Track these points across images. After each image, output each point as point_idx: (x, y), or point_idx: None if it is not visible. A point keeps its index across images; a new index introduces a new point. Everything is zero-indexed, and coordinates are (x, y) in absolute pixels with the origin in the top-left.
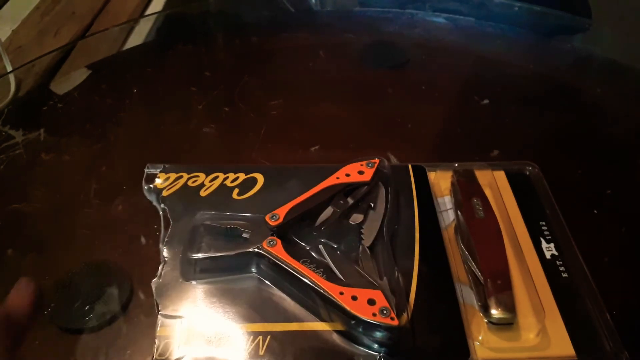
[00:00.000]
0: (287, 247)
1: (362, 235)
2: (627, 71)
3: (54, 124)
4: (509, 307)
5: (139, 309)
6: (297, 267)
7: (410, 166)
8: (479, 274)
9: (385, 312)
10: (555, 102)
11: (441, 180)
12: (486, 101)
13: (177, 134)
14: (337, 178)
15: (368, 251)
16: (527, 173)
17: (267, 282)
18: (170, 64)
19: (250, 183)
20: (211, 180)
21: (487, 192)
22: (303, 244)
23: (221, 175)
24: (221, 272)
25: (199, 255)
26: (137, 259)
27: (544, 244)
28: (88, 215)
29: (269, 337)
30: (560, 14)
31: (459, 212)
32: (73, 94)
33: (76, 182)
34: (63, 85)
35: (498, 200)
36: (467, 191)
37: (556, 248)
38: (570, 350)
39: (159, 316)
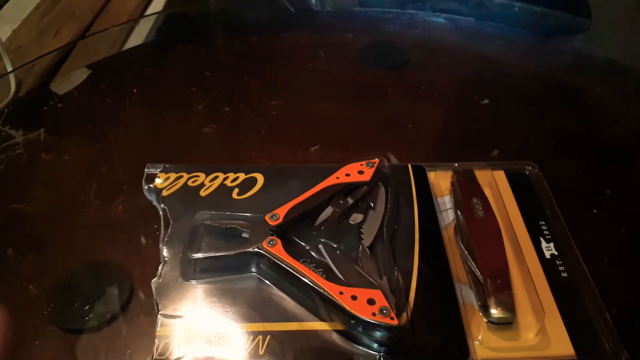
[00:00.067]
0: (287, 246)
1: (361, 235)
2: (627, 71)
3: (54, 124)
4: (509, 306)
5: (139, 308)
6: (297, 266)
7: (410, 166)
8: (478, 273)
9: (385, 311)
10: (555, 102)
11: (441, 180)
12: (486, 101)
13: (177, 134)
14: (337, 178)
15: (368, 251)
16: (527, 173)
17: (267, 281)
18: (170, 64)
19: (250, 183)
20: (211, 180)
21: (487, 192)
22: (303, 244)
23: (221, 175)
24: (221, 272)
25: (199, 255)
26: (137, 259)
27: (543, 244)
28: (88, 215)
29: (268, 336)
30: (560, 14)
31: (458, 212)
32: (73, 94)
33: (76, 182)
34: (63, 85)
35: (498, 200)
36: (466, 191)
37: (556, 248)
38: (569, 350)
39: (158, 316)
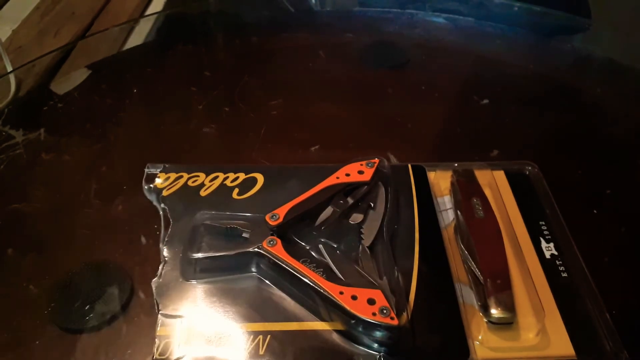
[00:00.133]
0: (287, 246)
1: (362, 235)
2: (627, 71)
3: (54, 124)
4: (509, 306)
5: (139, 308)
6: (297, 266)
7: (410, 166)
8: (478, 273)
9: (385, 311)
10: (555, 102)
11: (441, 180)
12: (486, 101)
13: (177, 134)
14: (337, 178)
15: (368, 251)
16: (527, 173)
17: (267, 281)
18: (170, 64)
19: (250, 183)
20: (211, 180)
21: (487, 192)
22: (303, 244)
23: (221, 175)
24: (221, 271)
25: (199, 255)
26: (137, 259)
27: (543, 244)
28: (88, 215)
29: (269, 336)
30: (560, 14)
31: (458, 212)
32: (73, 94)
33: (76, 182)
34: (63, 85)
35: (498, 200)
36: (466, 191)
37: (556, 248)
38: (570, 350)
39: (159, 316)
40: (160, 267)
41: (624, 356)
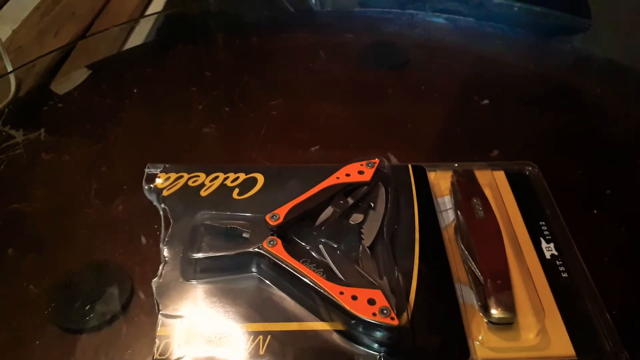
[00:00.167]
0: (287, 246)
1: (362, 235)
2: (627, 71)
3: (54, 124)
4: (509, 307)
5: (139, 308)
6: (297, 266)
7: (410, 166)
8: (478, 273)
9: (385, 311)
10: (555, 102)
11: (441, 180)
12: (486, 101)
13: (177, 134)
14: (337, 178)
15: (368, 251)
16: (527, 173)
17: (267, 281)
18: (170, 64)
19: (250, 183)
20: (211, 180)
21: (487, 192)
22: (303, 244)
23: (221, 175)
24: (221, 272)
25: (199, 255)
26: (138, 259)
27: (543, 244)
28: (88, 215)
29: (269, 336)
30: (560, 14)
31: (458, 212)
32: (73, 94)
33: (76, 182)
34: (63, 85)
35: (498, 200)
36: (467, 191)
37: (556, 248)
38: (570, 350)
39: (159, 316)
40: (160, 267)
41: (624, 356)
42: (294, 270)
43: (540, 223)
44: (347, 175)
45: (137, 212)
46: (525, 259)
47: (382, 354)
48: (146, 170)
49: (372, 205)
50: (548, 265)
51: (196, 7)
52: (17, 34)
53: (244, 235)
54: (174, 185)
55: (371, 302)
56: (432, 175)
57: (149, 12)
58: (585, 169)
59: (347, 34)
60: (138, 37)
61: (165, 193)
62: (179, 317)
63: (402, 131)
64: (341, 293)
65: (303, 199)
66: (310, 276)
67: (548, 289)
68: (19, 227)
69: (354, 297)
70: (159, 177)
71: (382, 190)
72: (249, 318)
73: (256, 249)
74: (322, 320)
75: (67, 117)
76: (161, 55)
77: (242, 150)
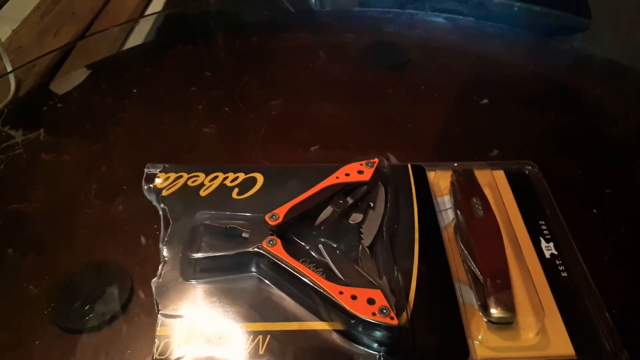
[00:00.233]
0: (286, 246)
1: (361, 235)
2: (627, 71)
3: (54, 124)
4: (509, 306)
5: (139, 308)
6: (296, 266)
7: (409, 166)
8: (478, 273)
9: (384, 311)
10: (555, 102)
11: (441, 180)
12: (486, 101)
13: (177, 134)
14: (337, 178)
15: (367, 251)
16: (527, 173)
17: (266, 281)
18: (170, 64)
19: (250, 183)
20: (211, 180)
21: (487, 191)
22: (303, 244)
23: (221, 175)
24: (221, 271)
25: (199, 255)
26: (137, 259)
27: (543, 244)
28: (88, 215)
29: (268, 336)
30: (560, 14)
31: (458, 212)
32: (73, 94)
33: (76, 182)
34: (63, 85)
35: (497, 200)
36: (466, 191)
37: (556, 247)
38: (569, 349)
39: (159, 316)
40: (160, 267)
41: (624, 356)
42: (294, 270)
43: (540, 223)
44: (347, 175)
45: (136, 212)
46: (524, 259)
47: (381, 353)
48: (146, 170)
49: (372, 204)
50: (548, 265)
51: (196, 7)
52: (17, 34)
53: (244, 235)
54: (174, 185)
55: (371, 301)
56: (431, 175)
57: (148, 12)
58: (585, 169)
59: (347, 34)
60: (138, 37)
61: (164, 193)
62: (179, 317)
63: (402, 131)
64: (341, 293)
65: (302, 198)
66: (309, 276)
67: (548, 289)
68: (19, 227)
69: (354, 297)
70: (159, 177)
71: (382, 190)
72: (248, 318)
73: (256, 249)
74: (322, 320)
75: (66, 117)
76: (161, 55)
77: (242, 150)
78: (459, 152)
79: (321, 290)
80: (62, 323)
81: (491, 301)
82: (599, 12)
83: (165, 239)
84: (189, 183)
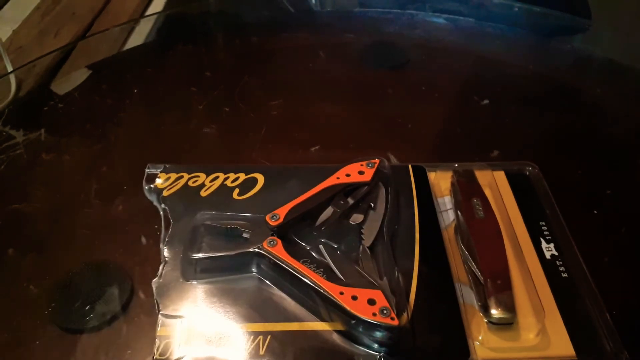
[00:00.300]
0: (287, 247)
1: (362, 235)
2: (627, 71)
3: (55, 124)
4: (509, 307)
5: (139, 308)
6: (297, 267)
7: (410, 166)
8: (478, 274)
9: (385, 312)
10: (555, 102)
11: (441, 181)
12: (486, 101)
13: (178, 134)
14: (338, 178)
15: (368, 251)
16: (527, 173)
17: (267, 282)
18: (171, 64)
19: (250, 183)
20: (211, 181)
21: (487, 192)
22: (303, 244)
23: (221, 176)
24: (221, 272)
25: (200, 255)
26: (138, 259)
27: (543, 244)
28: (88, 215)
29: (269, 337)
30: (560, 14)
31: (459, 212)
32: (73, 94)
33: (76, 182)
34: (63, 85)
35: (498, 200)
36: (467, 191)
37: (556, 248)
38: (570, 350)
39: (159, 316)
40: (160, 267)
41: (624, 356)
42: (294, 271)
43: (540, 223)
44: (347, 175)
45: (137, 212)
46: (525, 259)
47: (382, 354)
48: (146, 170)
49: (372, 205)
50: (548, 265)
51: (196, 7)
52: (18, 34)
53: (244, 235)
54: (174, 186)
55: (371, 302)
56: (432, 176)
57: (149, 12)
58: (585, 169)
59: (347, 34)
60: (138, 37)
61: (165, 193)
62: (179, 317)
63: (402, 131)
64: (341, 293)
65: (303, 199)
66: (310, 276)
67: (548, 289)
68: (19, 227)
69: (354, 297)
70: (159, 177)
71: (382, 190)
72: (249, 318)
73: (256, 249)
74: (322, 320)
75: (67, 117)
76: (161, 55)
77: (242, 150)
78: (459, 153)
79: (322, 291)
80: (62, 323)
81: (492, 302)
82: (599, 12)
83: (166, 239)
84: (190, 183)
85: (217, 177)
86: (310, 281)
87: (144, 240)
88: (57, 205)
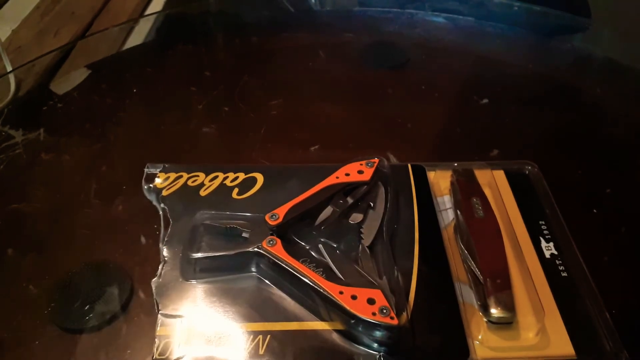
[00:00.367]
0: (286, 246)
1: (361, 235)
2: (627, 71)
3: (54, 124)
4: (509, 306)
5: (139, 308)
6: (296, 266)
7: (409, 166)
8: (478, 273)
9: (384, 311)
10: (555, 102)
11: (441, 180)
12: (486, 101)
13: (177, 133)
14: (337, 178)
15: (368, 251)
16: (527, 173)
17: (267, 281)
18: (170, 64)
19: (250, 183)
20: (211, 180)
21: (487, 191)
22: (303, 244)
23: (221, 175)
24: (221, 271)
25: (199, 255)
26: (137, 259)
27: (543, 244)
28: (88, 215)
29: (268, 336)
30: (560, 14)
31: (458, 212)
32: (73, 93)
33: (76, 182)
34: (63, 85)
35: (497, 199)
36: (466, 191)
37: (556, 247)
38: (569, 349)
39: (159, 316)
40: (160, 267)
41: (624, 356)
42: (294, 270)
43: (540, 223)
44: (347, 174)
45: (136, 212)
46: (525, 259)
47: (381, 353)
48: (146, 170)
49: (372, 204)
50: (548, 265)
51: (196, 7)
52: (17, 34)
53: (244, 235)
54: (174, 185)
55: (371, 301)
56: (431, 175)
57: (148, 11)
58: (585, 169)
59: (347, 33)
60: (138, 37)
61: (164, 193)
62: (179, 316)
63: (402, 131)
64: (341, 293)
65: (303, 198)
66: (309, 276)
67: (548, 289)
68: (19, 227)
69: (354, 297)
70: (159, 176)
71: (382, 189)
72: (248, 318)
73: (256, 249)
74: (322, 320)
75: (66, 117)
76: (161, 55)
77: (242, 150)
78: (459, 152)
79: (321, 290)
80: (62, 323)
81: (491, 301)
82: (599, 12)
83: (166, 239)
84: (189, 183)
85: (216, 177)
86: (309, 281)
87: (143, 240)
88: (57, 205)
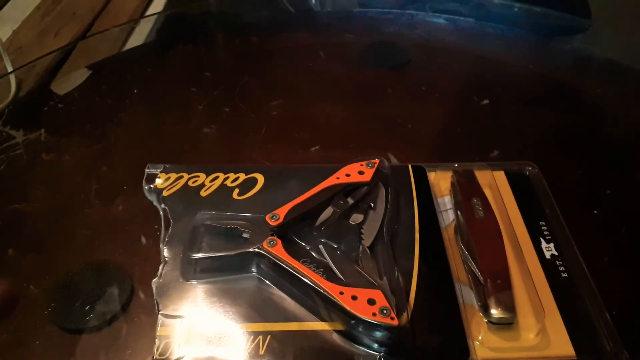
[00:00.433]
0: (287, 247)
1: (362, 235)
2: (627, 71)
3: (55, 124)
4: (509, 307)
5: (139, 308)
6: (297, 267)
7: (410, 166)
8: (478, 273)
9: (385, 311)
10: (555, 102)
11: (441, 181)
12: (486, 101)
13: (178, 134)
14: (337, 178)
15: (368, 251)
16: (527, 173)
17: (267, 282)
18: (171, 64)
19: (250, 183)
20: (211, 181)
21: (487, 192)
22: (303, 244)
23: (221, 176)
24: (221, 272)
25: (199, 255)
26: (138, 259)
27: (543, 244)
28: (88, 215)
29: (269, 336)
30: (560, 14)
31: (458, 212)
32: (73, 94)
33: (76, 182)
34: (63, 85)
35: (498, 200)
36: (467, 191)
37: (556, 248)
38: (570, 350)
39: (159, 316)
40: (160, 267)
41: (624, 356)
42: (294, 271)
43: (540, 223)
44: (347, 175)
45: (137, 212)
46: (525, 259)
47: (382, 354)
48: (146, 170)
49: (372, 205)
50: (548, 265)
51: (196, 7)
52: (18, 34)
53: (244, 235)
54: (174, 186)
55: (371, 302)
56: (432, 176)
57: (149, 12)
58: (585, 169)
59: (347, 34)
60: (138, 37)
61: (165, 193)
62: (179, 317)
63: (402, 131)
64: (341, 293)
65: (303, 199)
66: (310, 276)
67: (548, 289)
68: (19, 227)
69: (354, 297)
70: (159, 177)
71: (382, 190)
72: (249, 318)
73: (256, 249)
74: (322, 320)
75: (67, 118)
76: (161, 55)
77: (242, 150)
78: (459, 153)
79: (321, 291)
80: (62, 323)
81: (491, 302)
82: (599, 12)
83: (166, 239)
84: (190, 183)
85: (217, 177)
86: (310, 281)
87: (143, 240)
88: (57, 205)
